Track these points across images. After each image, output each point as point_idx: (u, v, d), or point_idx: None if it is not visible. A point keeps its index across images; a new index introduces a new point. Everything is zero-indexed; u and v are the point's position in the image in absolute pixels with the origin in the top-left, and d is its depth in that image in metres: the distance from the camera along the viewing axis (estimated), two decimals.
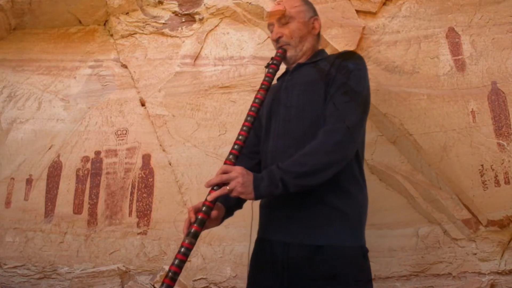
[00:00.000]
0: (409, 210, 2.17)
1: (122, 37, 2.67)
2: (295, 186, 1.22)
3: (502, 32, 2.17)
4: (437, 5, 2.27)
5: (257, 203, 1.45)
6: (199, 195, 2.34)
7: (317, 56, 1.50)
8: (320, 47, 1.60)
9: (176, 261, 1.14)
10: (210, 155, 2.38)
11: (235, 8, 2.54)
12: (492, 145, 2.04)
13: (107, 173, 2.45)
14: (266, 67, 1.49)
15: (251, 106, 1.39)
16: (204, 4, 2.59)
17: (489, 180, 2.02)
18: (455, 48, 2.20)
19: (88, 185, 2.44)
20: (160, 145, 2.46)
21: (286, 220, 1.33)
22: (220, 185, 1.23)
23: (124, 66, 2.64)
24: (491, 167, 2.02)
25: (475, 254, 2.04)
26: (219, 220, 1.39)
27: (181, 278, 2.20)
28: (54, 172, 2.49)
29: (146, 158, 2.45)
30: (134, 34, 2.67)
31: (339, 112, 1.29)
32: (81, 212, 2.41)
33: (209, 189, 1.25)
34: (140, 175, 2.42)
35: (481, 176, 2.03)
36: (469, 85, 2.13)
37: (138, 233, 2.34)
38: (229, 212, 1.44)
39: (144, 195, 2.39)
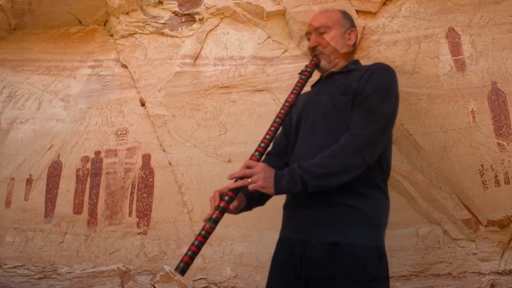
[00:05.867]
0: (409, 210, 2.17)
1: (122, 37, 2.67)
2: (313, 185, 1.27)
3: (502, 32, 2.17)
4: (437, 5, 2.27)
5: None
6: (199, 195, 2.34)
7: (350, 66, 1.55)
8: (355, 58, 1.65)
9: (196, 242, 1.23)
10: (210, 155, 2.38)
11: (235, 8, 2.54)
12: (492, 145, 2.04)
13: (107, 173, 2.45)
14: (299, 73, 1.56)
15: (281, 108, 1.46)
16: (204, 4, 2.59)
17: (489, 180, 2.02)
18: (455, 48, 2.20)
19: (88, 185, 2.44)
20: (160, 145, 2.46)
21: (304, 219, 1.38)
22: (243, 178, 1.30)
23: (124, 66, 2.64)
24: (491, 167, 2.02)
25: (475, 254, 2.04)
26: (238, 210, 1.47)
27: (181, 278, 2.20)
28: (54, 172, 2.49)
29: (146, 158, 2.45)
30: (134, 34, 2.67)
31: (363, 120, 1.34)
32: (81, 212, 2.41)
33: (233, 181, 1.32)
34: (140, 175, 2.42)
35: (481, 176, 2.03)
36: (469, 85, 2.13)
37: (138, 233, 2.34)
38: (249, 206, 1.51)
39: (144, 195, 2.39)
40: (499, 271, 2.01)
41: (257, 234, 2.24)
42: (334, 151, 1.30)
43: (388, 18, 2.32)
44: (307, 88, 1.58)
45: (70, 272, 2.29)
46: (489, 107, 2.09)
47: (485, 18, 2.21)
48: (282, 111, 1.45)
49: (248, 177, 1.28)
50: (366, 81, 1.40)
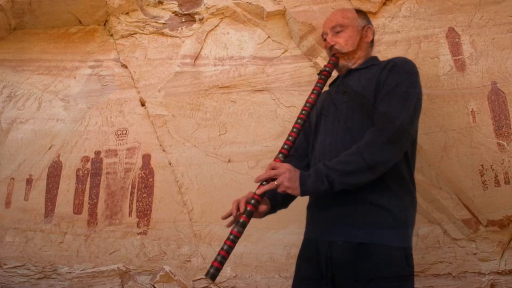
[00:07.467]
0: None
1: (122, 37, 2.67)
2: (340, 183, 1.25)
3: (502, 32, 2.17)
4: (437, 5, 2.27)
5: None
6: (199, 195, 2.34)
7: (369, 62, 1.55)
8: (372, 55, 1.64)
9: (225, 247, 1.24)
10: (210, 155, 2.38)
11: (235, 8, 2.54)
12: (492, 145, 2.04)
13: (107, 173, 2.45)
14: (318, 74, 1.55)
15: (302, 109, 1.44)
16: (204, 4, 2.59)
17: (489, 180, 2.02)
18: (455, 48, 2.20)
19: (88, 185, 2.44)
20: (160, 145, 2.46)
21: (330, 219, 1.36)
22: (268, 180, 1.28)
23: (124, 66, 2.64)
24: (491, 167, 2.02)
25: (475, 254, 2.04)
26: (263, 214, 1.46)
27: (181, 278, 2.20)
28: (54, 172, 2.49)
29: (146, 158, 2.45)
30: (134, 34, 2.67)
31: (387, 114, 1.31)
32: (81, 212, 2.41)
33: (258, 184, 1.31)
34: (140, 175, 2.42)
35: (481, 176, 2.03)
36: (469, 85, 2.13)
37: (138, 233, 2.34)
38: (273, 209, 1.50)
39: (144, 195, 2.39)
40: (499, 271, 2.01)
41: (257, 234, 2.24)
42: (360, 147, 1.27)
43: (388, 18, 2.32)
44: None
45: (70, 272, 2.29)
46: (489, 107, 2.09)
47: (485, 18, 2.21)
48: (304, 112, 1.43)
49: (273, 179, 1.27)
50: (387, 75, 1.38)
